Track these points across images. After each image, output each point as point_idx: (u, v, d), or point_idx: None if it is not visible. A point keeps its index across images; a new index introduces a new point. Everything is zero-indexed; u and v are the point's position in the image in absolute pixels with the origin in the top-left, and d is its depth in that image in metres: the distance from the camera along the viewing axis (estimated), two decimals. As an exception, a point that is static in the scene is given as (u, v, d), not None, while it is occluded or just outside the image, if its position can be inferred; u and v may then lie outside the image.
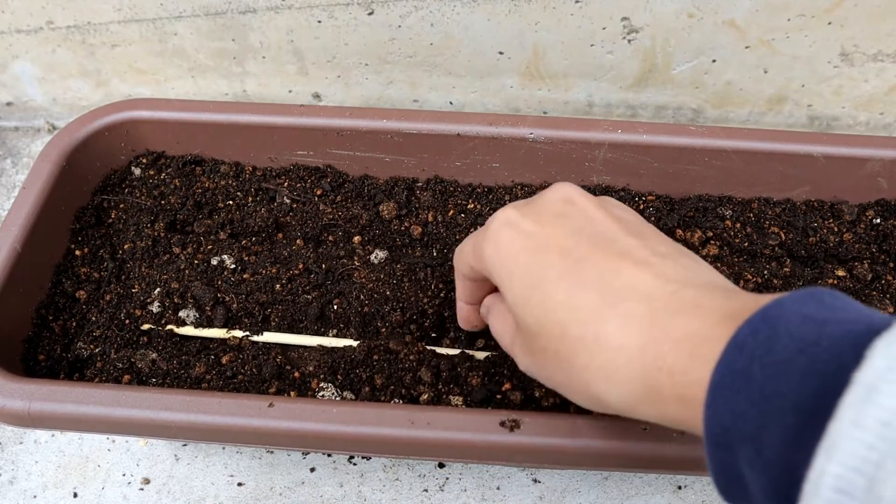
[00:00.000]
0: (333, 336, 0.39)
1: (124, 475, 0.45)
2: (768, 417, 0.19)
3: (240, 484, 0.44)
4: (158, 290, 0.40)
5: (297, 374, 0.37)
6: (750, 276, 0.41)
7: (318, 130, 0.44)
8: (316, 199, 0.45)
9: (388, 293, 0.40)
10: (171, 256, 0.42)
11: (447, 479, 0.45)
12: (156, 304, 0.40)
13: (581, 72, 0.55)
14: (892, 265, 0.42)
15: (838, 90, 0.55)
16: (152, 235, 0.43)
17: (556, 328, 0.26)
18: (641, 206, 0.44)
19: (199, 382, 0.37)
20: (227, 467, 0.45)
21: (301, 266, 0.41)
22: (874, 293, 0.41)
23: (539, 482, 0.44)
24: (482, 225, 0.43)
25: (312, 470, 0.45)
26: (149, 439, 0.45)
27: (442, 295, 0.40)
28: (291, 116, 0.44)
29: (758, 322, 0.21)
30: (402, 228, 0.44)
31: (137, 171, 0.46)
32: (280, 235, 0.44)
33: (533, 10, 0.50)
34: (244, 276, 0.41)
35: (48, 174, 0.41)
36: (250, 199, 0.45)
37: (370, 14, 0.51)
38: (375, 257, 0.42)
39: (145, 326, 0.39)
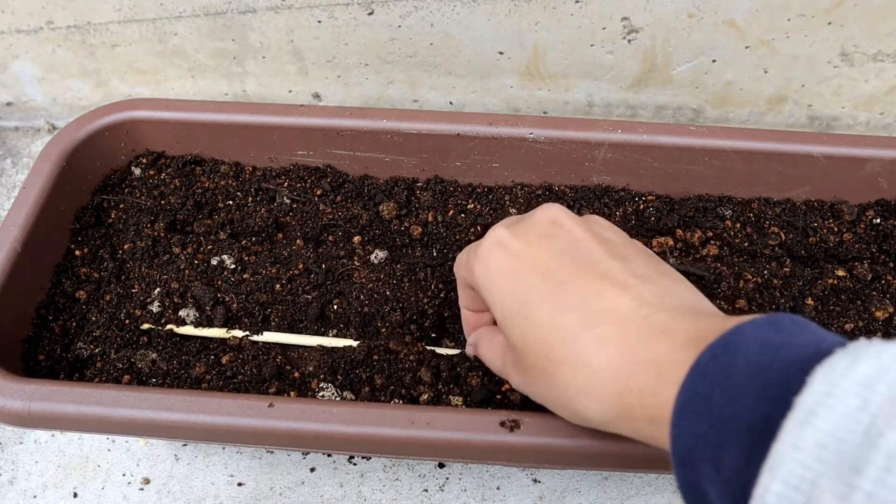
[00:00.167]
0: (333, 336, 0.39)
1: (124, 475, 0.45)
2: (726, 438, 0.20)
3: (240, 484, 0.44)
4: (158, 290, 0.40)
5: (297, 375, 0.37)
6: (750, 276, 0.41)
7: (318, 130, 0.44)
8: (316, 199, 0.45)
9: (388, 293, 0.40)
10: (171, 256, 0.42)
11: (447, 479, 0.45)
12: (156, 304, 0.40)
13: (581, 72, 0.55)
14: (892, 265, 0.42)
15: (838, 90, 0.55)
16: (152, 235, 0.43)
17: (542, 347, 0.28)
18: (641, 206, 0.44)
19: (199, 382, 0.37)
20: (227, 467, 0.45)
21: (301, 266, 0.41)
22: (874, 293, 0.41)
23: (539, 482, 0.44)
24: (482, 225, 0.43)
25: (312, 470, 0.45)
26: (149, 439, 0.45)
27: (442, 295, 0.40)
28: (291, 116, 0.44)
29: (718, 348, 0.22)
30: (402, 228, 0.44)
31: (137, 171, 0.46)
32: (280, 235, 0.44)
33: (533, 10, 0.50)
34: (244, 276, 0.41)
35: (48, 174, 0.41)
36: (250, 199, 0.45)
37: (370, 14, 0.51)
38: (375, 257, 0.42)
39: (145, 326, 0.39)
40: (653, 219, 0.43)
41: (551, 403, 0.29)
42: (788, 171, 0.43)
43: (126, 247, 0.43)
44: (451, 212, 0.44)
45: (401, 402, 0.35)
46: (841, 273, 0.41)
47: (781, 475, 0.17)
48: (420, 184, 0.46)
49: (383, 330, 0.39)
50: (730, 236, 0.43)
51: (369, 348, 0.37)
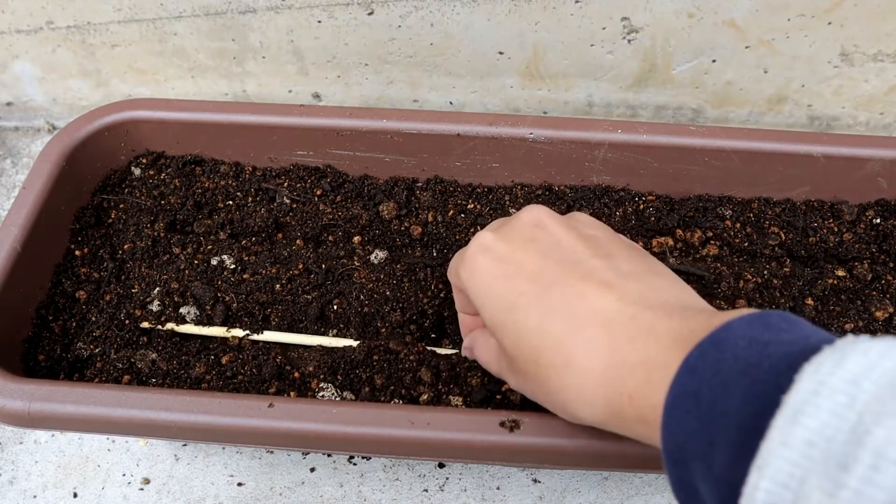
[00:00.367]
0: (333, 336, 0.39)
1: (124, 475, 0.45)
2: (716, 436, 0.20)
3: (240, 484, 0.44)
4: (158, 290, 0.40)
5: (296, 375, 0.37)
6: (750, 276, 0.41)
7: (318, 130, 0.44)
8: (316, 199, 0.45)
9: (387, 293, 0.40)
10: (171, 256, 0.42)
11: (447, 479, 0.45)
12: (156, 303, 0.40)
13: (581, 72, 0.55)
14: (892, 265, 0.42)
15: (838, 90, 0.55)
16: (152, 235, 0.43)
17: (532, 353, 0.28)
18: (641, 207, 0.44)
19: (199, 382, 0.37)
20: (227, 467, 0.45)
21: (301, 266, 0.41)
22: (874, 293, 0.41)
23: (539, 482, 0.44)
24: (482, 225, 0.43)
25: (312, 470, 0.45)
26: (149, 439, 0.45)
27: (442, 295, 0.40)
28: (291, 116, 0.44)
29: (707, 345, 0.22)
30: (402, 228, 0.44)
31: (137, 172, 0.46)
32: (280, 235, 0.44)
33: (533, 10, 0.50)
34: (244, 276, 0.41)
35: (48, 174, 0.41)
36: (250, 199, 0.45)
37: (370, 14, 0.51)
38: (375, 257, 0.42)
39: (145, 325, 0.39)
40: (653, 219, 0.43)
41: (547, 404, 0.29)
42: (788, 171, 0.43)
43: (126, 247, 0.43)
44: (451, 212, 0.44)
45: (401, 402, 0.35)
46: (841, 273, 0.41)
47: (770, 473, 0.18)
48: (420, 184, 0.46)
49: (383, 330, 0.39)
50: (730, 236, 0.43)
51: (369, 348, 0.37)
